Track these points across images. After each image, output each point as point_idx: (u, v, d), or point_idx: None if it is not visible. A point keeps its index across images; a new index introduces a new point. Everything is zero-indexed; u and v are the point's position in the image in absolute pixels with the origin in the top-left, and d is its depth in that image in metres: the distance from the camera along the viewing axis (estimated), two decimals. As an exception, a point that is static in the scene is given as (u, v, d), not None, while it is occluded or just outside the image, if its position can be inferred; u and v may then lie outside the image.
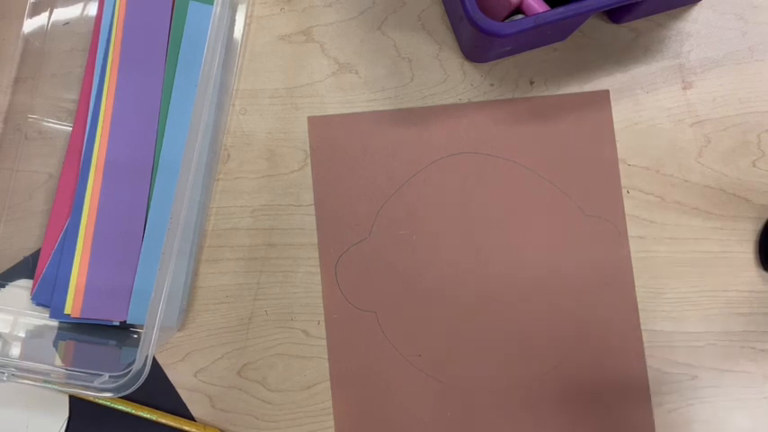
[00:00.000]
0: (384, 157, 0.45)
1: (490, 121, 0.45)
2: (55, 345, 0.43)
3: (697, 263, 0.44)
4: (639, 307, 0.44)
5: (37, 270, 0.45)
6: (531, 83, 0.46)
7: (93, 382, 0.37)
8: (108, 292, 0.44)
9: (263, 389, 0.45)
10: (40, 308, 0.45)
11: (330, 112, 0.46)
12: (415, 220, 0.45)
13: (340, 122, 0.46)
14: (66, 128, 0.47)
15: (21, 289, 0.46)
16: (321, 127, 0.46)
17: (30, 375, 0.38)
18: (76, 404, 0.45)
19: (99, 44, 0.46)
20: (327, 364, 0.45)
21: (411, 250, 0.45)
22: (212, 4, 0.40)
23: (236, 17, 0.46)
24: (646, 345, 0.44)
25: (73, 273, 0.44)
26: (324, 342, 0.45)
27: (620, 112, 0.45)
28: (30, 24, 0.47)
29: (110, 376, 0.38)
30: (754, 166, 0.45)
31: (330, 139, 0.46)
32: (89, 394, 0.43)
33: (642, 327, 0.44)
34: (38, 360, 0.40)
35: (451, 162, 0.45)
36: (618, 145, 0.45)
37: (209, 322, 0.45)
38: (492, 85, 0.46)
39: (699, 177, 0.45)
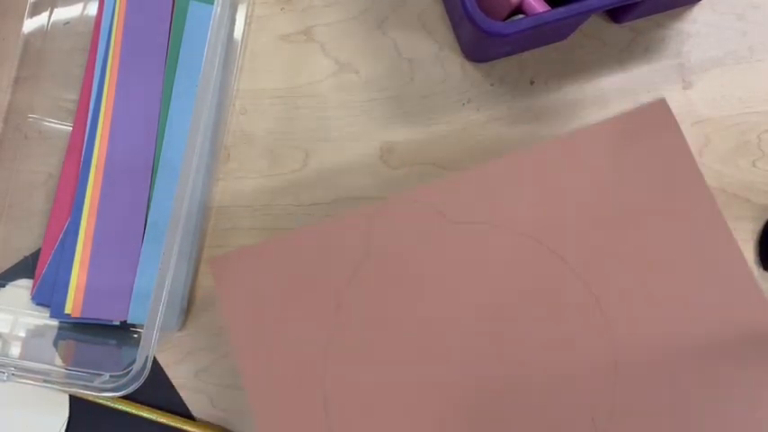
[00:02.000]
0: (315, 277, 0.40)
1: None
2: (55, 344, 0.43)
3: (697, 263, 0.44)
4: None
5: (37, 270, 0.45)
6: (532, 83, 0.46)
7: (93, 381, 0.37)
8: (108, 292, 0.44)
9: (263, 389, 0.45)
10: (40, 308, 0.45)
11: (330, 112, 0.46)
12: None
13: (252, 256, 0.41)
14: (67, 128, 0.47)
15: (21, 289, 0.45)
16: (231, 268, 0.41)
17: (30, 375, 0.38)
18: (76, 404, 0.45)
19: (99, 44, 0.46)
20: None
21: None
22: (212, 4, 0.40)
23: (236, 17, 0.46)
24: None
25: (73, 272, 0.44)
26: None
27: (621, 113, 0.45)
28: (30, 24, 0.47)
29: (110, 376, 0.38)
30: (754, 166, 0.45)
31: (245, 279, 0.41)
32: (89, 394, 0.43)
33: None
34: (38, 360, 0.40)
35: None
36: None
37: (209, 322, 0.45)
38: (492, 84, 0.46)
39: (699, 177, 0.45)
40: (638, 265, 0.39)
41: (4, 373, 0.38)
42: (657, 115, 0.41)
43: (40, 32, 0.47)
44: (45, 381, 0.38)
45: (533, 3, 0.40)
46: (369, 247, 0.40)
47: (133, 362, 0.37)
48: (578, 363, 0.38)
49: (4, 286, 0.46)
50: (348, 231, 0.40)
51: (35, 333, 0.45)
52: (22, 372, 0.38)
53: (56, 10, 0.47)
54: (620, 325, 0.39)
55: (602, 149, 0.41)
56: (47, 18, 0.47)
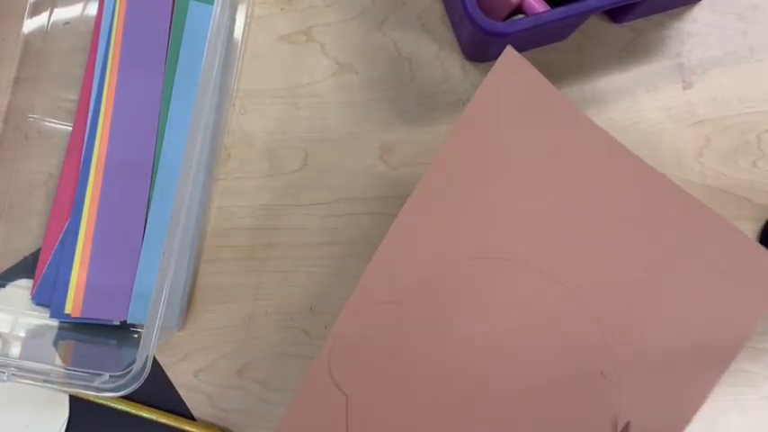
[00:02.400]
0: None
1: None
2: (55, 345, 0.43)
3: (697, 263, 0.44)
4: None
5: (37, 270, 0.45)
6: (531, 83, 0.46)
7: (93, 381, 0.37)
8: (108, 292, 0.44)
9: (263, 389, 0.45)
10: (40, 308, 0.45)
11: (330, 112, 0.46)
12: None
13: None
14: (67, 128, 0.47)
15: (21, 289, 0.46)
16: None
17: (30, 375, 0.38)
18: (76, 404, 0.45)
19: (99, 44, 0.46)
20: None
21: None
22: (212, 4, 0.40)
23: (236, 17, 0.46)
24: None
25: (73, 272, 0.44)
26: (324, 342, 0.44)
27: (620, 112, 0.45)
28: (30, 24, 0.47)
29: (110, 376, 0.38)
30: (754, 166, 0.45)
31: None
32: (89, 394, 0.43)
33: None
34: (38, 360, 0.40)
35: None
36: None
37: (209, 322, 0.45)
38: (492, 85, 0.46)
39: (699, 177, 0.45)
40: (574, 225, 0.36)
41: (4, 373, 0.38)
42: (513, 67, 0.37)
43: (40, 32, 0.47)
44: (45, 381, 0.38)
45: (533, 3, 0.40)
46: (341, 389, 0.36)
47: (133, 362, 0.37)
48: (567, 342, 0.36)
49: (4, 286, 0.46)
50: (314, 399, 0.36)
51: (35, 333, 0.45)
52: (22, 372, 0.39)
53: (56, 10, 0.47)
54: (588, 292, 0.36)
55: (487, 132, 0.37)
56: (47, 18, 0.47)
